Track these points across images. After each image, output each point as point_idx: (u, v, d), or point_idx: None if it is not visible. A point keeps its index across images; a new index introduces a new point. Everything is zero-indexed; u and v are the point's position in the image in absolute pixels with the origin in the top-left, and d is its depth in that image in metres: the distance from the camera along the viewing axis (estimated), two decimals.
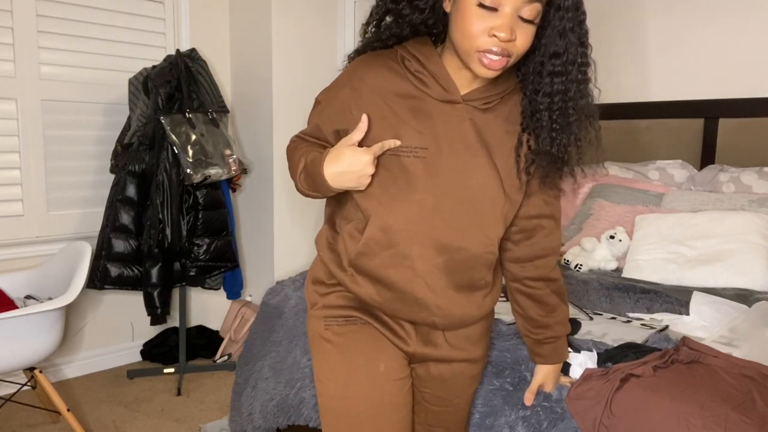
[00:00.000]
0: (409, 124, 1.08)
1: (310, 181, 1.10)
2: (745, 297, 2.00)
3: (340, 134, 1.14)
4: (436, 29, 1.12)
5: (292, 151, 1.18)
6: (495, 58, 0.99)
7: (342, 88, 1.13)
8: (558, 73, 1.05)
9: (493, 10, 0.98)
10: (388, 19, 1.12)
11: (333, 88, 1.15)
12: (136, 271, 2.71)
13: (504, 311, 1.80)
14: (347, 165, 1.04)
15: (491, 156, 1.11)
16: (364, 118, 1.06)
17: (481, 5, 0.98)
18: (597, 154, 1.14)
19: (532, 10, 0.99)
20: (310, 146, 1.15)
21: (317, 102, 1.18)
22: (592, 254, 2.48)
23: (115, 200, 2.68)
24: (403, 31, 1.11)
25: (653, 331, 1.68)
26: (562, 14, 1.02)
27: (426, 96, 1.09)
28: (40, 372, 2.17)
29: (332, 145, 1.14)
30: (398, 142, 1.07)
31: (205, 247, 2.79)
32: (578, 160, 1.14)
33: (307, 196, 1.15)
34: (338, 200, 1.21)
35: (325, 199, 1.23)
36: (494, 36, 0.98)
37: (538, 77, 1.08)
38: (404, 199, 1.08)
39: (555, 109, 1.07)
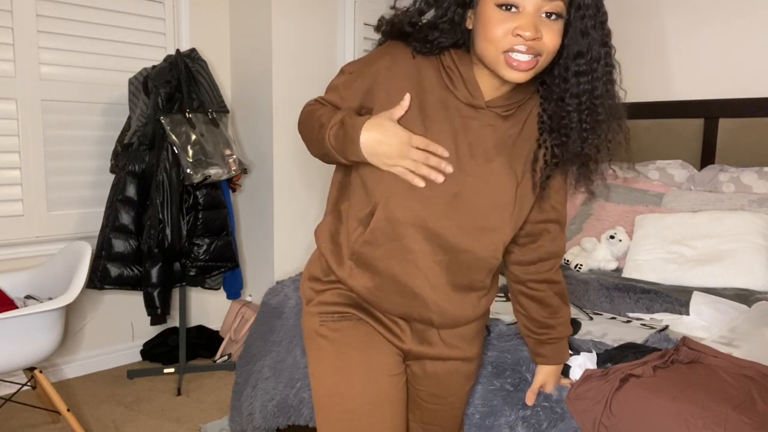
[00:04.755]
0: (431, 119, 1.07)
1: (341, 138, 1.04)
2: (745, 297, 2.00)
3: (361, 112, 1.10)
4: (464, 49, 1.10)
5: (311, 112, 1.12)
6: (523, 58, 0.98)
7: (374, 65, 1.09)
8: (583, 72, 1.05)
9: (514, 9, 0.97)
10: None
11: (364, 62, 1.12)
12: (136, 271, 2.71)
13: (504, 311, 1.80)
14: (384, 136, 1.01)
15: (509, 162, 1.11)
16: (407, 96, 1.04)
17: (500, 5, 0.97)
18: (627, 154, 1.14)
19: (555, 6, 0.98)
20: (336, 110, 1.10)
21: (343, 71, 1.14)
22: (592, 254, 2.48)
23: (115, 200, 2.68)
24: (432, 53, 1.09)
25: (653, 331, 1.68)
26: (583, 12, 1.02)
27: (452, 96, 1.09)
28: (40, 372, 2.17)
29: None
30: (446, 153, 1.04)
31: (205, 247, 2.79)
32: (609, 162, 1.14)
33: (324, 156, 1.10)
34: (345, 186, 1.20)
35: (327, 192, 1.21)
36: (518, 36, 0.97)
37: (563, 82, 1.07)
38: (416, 194, 1.08)
39: (584, 109, 1.07)
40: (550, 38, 0.99)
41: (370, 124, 1.02)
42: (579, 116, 1.07)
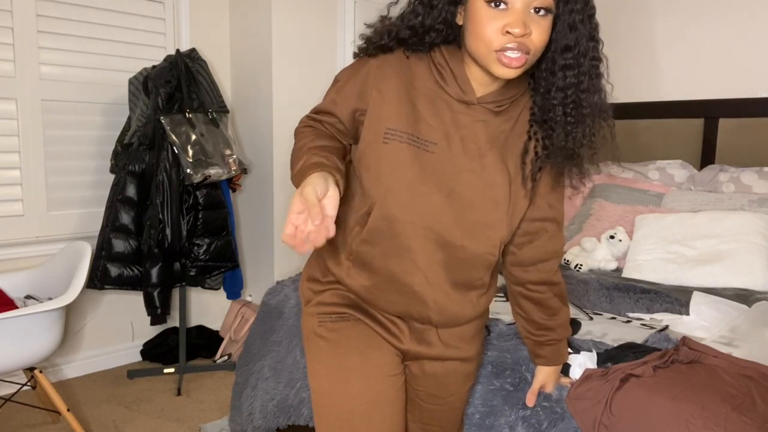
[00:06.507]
0: (423, 116, 1.08)
1: (297, 178, 1.01)
2: (745, 297, 2.00)
3: (356, 116, 1.11)
4: (457, 44, 1.11)
5: (297, 136, 1.13)
6: (513, 55, 0.98)
7: (364, 67, 1.11)
8: (570, 66, 1.05)
9: (503, 6, 0.98)
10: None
11: (355, 66, 1.13)
12: (136, 271, 2.71)
13: (504, 311, 1.80)
14: (299, 191, 0.90)
15: (502, 158, 1.12)
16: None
17: (489, 1, 0.98)
18: (612, 150, 1.13)
19: (544, 1, 0.98)
20: (317, 137, 1.10)
21: (336, 80, 1.15)
22: (592, 254, 2.48)
23: (115, 200, 2.68)
24: (423, 51, 1.10)
25: (653, 331, 1.68)
26: (571, 7, 1.02)
27: (443, 93, 1.09)
28: (40, 372, 2.17)
29: (345, 127, 1.12)
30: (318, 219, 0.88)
31: (205, 247, 2.79)
32: (593, 156, 1.13)
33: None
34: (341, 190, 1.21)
35: None
36: (508, 33, 0.97)
37: (550, 75, 1.07)
38: (411, 190, 1.08)
39: (569, 102, 1.07)
40: (538, 35, 0.99)
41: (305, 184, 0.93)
42: (564, 109, 1.08)
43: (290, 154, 1.14)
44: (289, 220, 0.88)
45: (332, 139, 1.12)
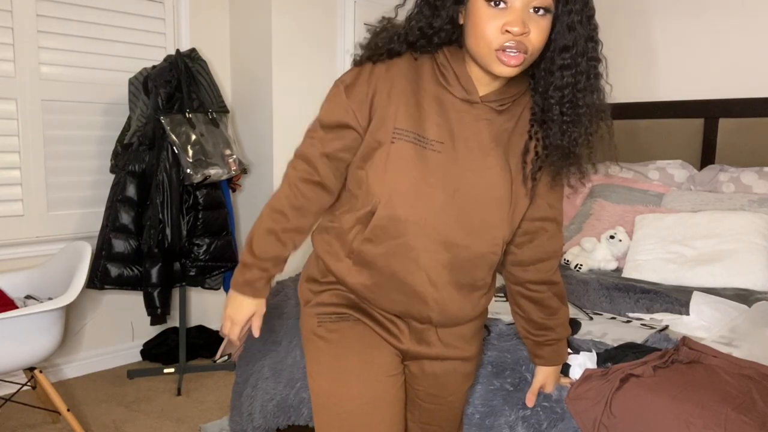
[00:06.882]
0: (429, 115, 1.09)
1: (240, 266, 1.21)
2: (745, 297, 2.01)
3: (370, 118, 1.10)
4: (459, 44, 1.11)
5: (284, 182, 1.20)
6: (512, 53, 0.99)
7: (373, 71, 1.10)
8: (567, 66, 1.06)
9: (502, 5, 0.98)
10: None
11: (360, 71, 1.11)
12: (136, 271, 2.71)
13: (504, 311, 1.80)
14: (230, 308, 1.21)
15: (505, 157, 1.12)
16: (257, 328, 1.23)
17: (490, 1, 0.98)
18: (609, 150, 1.14)
19: (543, 1, 0.99)
20: (291, 209, 1.17)
21: (341, 83, 1.13)
22: (592, 254, 2.48)
23: (115, 200, 2.68)
24: (432, 50, 1.11)
25: (653, 331, 1.68)
26: (570, 8, 1.03)
27: (447, 93, 1.10)
28: (40, 372, 2.17)
29: (358, 133, 1.11)
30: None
31: (205, 247, 2.79)
32: (589, 156, 1.14)
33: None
34: (339, 193, 1.21)
35: None
36: (507, 32, 0.98)
37: (549, 75, 1.08)
38: (416, 190, 1.08)
39: (565, 101, 1.08)
40: (537, 34, 1.00)
41: (233, 294, 1.20)
42: (560, 109, 1.08)
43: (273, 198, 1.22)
44: (222, 331, 1.21)
45: (312, 202, 1.17)
